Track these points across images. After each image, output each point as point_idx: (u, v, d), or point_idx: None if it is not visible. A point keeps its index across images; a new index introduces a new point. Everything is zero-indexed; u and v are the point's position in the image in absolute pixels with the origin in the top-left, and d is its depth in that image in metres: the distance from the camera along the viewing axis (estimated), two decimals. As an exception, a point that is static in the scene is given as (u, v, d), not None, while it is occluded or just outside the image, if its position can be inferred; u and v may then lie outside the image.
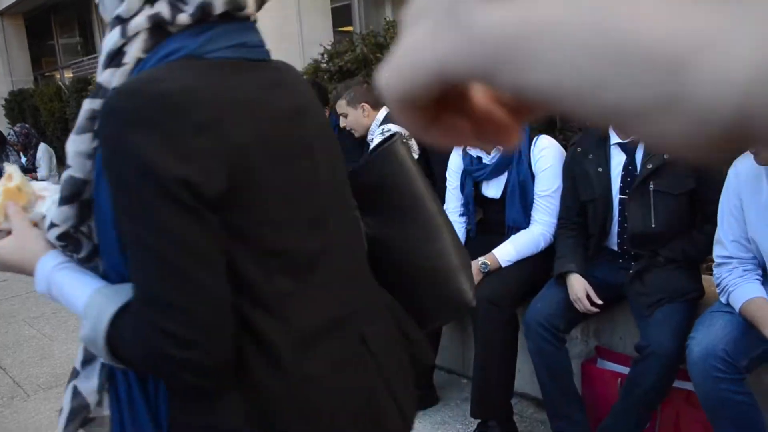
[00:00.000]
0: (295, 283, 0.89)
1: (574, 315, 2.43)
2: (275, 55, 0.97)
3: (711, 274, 2.17)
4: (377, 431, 0.96)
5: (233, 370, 0.84)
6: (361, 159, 1.20)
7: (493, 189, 2.82)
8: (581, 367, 2.55)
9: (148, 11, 0.85)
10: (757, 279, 1.99)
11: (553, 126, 3.50)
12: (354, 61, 4.52)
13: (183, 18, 0.85)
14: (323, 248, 0.94)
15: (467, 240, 2.90)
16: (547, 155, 2.68)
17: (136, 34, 0.85)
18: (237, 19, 0.89)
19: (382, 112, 3.28)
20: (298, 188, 0.90)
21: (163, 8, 0.85)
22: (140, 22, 0.85)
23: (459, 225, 2.89)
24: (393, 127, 3.05)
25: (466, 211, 2.88)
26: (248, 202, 0.83)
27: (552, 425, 2.45)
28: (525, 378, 2.97)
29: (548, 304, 2.42)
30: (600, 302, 2.39)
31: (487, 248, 2.73)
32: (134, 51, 0.85)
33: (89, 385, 0.98)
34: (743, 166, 1.95)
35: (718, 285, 2.06)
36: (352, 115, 3.27)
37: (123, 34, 0.86)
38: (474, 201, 2.87)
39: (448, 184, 2.94)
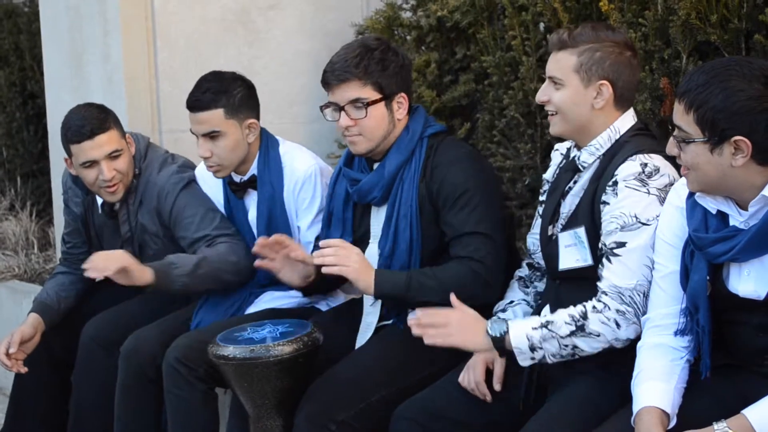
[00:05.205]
0: None
1: None
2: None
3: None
4: None
5: None
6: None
7: (750, 281, 1.55)
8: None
9: None
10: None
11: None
12: (466, 6, 2.98)
13: None
14: None
15: (691, 388, 1.63)
16: None
17: None
18: None
19: None
20: None
21: None
22: None
23: (673, 357, 1.65)
24: None
25: (691, 324, 1.55)
26: None
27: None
28: None
29: None
30: None
31: (733, 399, 1.54)
32: None
33: None
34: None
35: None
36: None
37: None
38: (709, 303, 1.56)
39: (656, 265, 1.62)
